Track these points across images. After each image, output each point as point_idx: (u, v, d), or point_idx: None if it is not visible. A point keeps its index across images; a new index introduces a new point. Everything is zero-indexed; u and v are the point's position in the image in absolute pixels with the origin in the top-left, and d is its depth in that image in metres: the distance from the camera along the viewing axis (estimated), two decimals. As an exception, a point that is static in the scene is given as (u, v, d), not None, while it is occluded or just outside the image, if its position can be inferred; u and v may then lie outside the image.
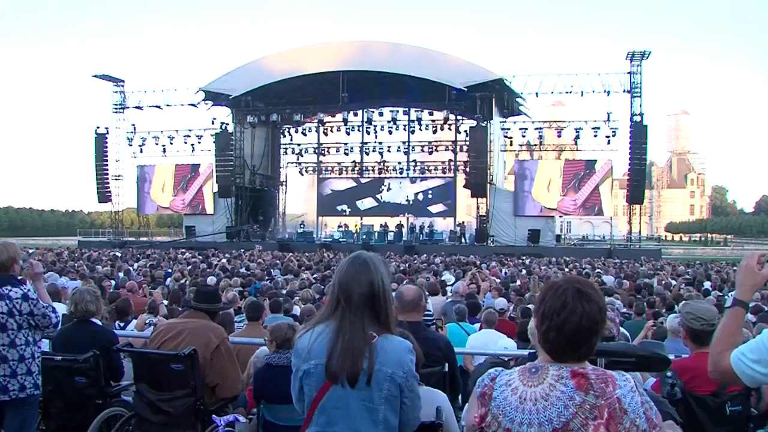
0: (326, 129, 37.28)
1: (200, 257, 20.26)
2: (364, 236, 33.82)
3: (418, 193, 38.99)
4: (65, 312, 5.50)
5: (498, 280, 12.11)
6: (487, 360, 4.20)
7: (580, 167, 33.95)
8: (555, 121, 37.14)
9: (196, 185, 37.91)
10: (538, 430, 1.63)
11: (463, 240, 33.55)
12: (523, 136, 35.27)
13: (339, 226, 38.17)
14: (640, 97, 31.66)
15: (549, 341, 1.71)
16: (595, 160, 33.96)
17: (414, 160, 39.93)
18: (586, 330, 1.67)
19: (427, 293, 7.75)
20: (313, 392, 2.10)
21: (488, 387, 1.77)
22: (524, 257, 23.86)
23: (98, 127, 37.95)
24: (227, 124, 35.64)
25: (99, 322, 4.35)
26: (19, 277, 3.71)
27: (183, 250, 26.38)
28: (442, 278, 12.63)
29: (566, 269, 17.44)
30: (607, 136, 32.57)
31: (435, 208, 39.04)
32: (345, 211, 39.71)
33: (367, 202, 39.48)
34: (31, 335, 3.60)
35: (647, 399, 1.65)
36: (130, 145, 38.07)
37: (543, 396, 1.65)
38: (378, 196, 39.49)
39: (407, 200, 38.75)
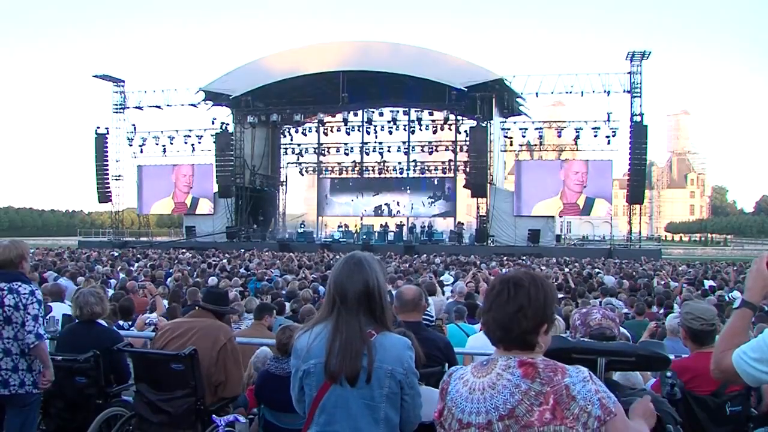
0: (326, 129, 37.31)
1: (200, 257, 20.27)
2: (365, 236, 33.83)
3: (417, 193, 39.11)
4: (65, 312, 5.51)
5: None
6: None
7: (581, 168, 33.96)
8: (555, 121, 37.15)
9: (197, 185, 37.85)
10: (485, 418, 1.68)
11: (461, 240, 33.57)
12: (523, 136, 35.29)
13: (339, 226, 38.19)
14: (640, 97, 31.68)
15: (484, 323, 1.80)
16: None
17: (414, 160, 39.96)
18: (512, 315, 1.71)
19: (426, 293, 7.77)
20: (314, 392, 2.11)
21: (445, 382, 1.84)
22: (524, 257, 23.86)
23: (98, 127, 38.00)
24: (227, 124, 35.67)
25: (104, 323, 4.35)
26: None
27: (183, 250, 26.40)
28: (440, 278, 12.63)
29: (566, 269, 17.44)
30: (607, 136, 32.60)
31: (435, 208, 39.07)
32: (350, 201, 39.71)
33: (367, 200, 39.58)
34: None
35: (605, 390, 1.66)
36: (131, 145, 38.12)
37: (490, 385, 1.70)
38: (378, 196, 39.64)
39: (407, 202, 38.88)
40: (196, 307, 4.22)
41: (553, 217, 34.40)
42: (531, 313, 1.73)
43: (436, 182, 39.86)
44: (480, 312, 1.85)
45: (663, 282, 13.21)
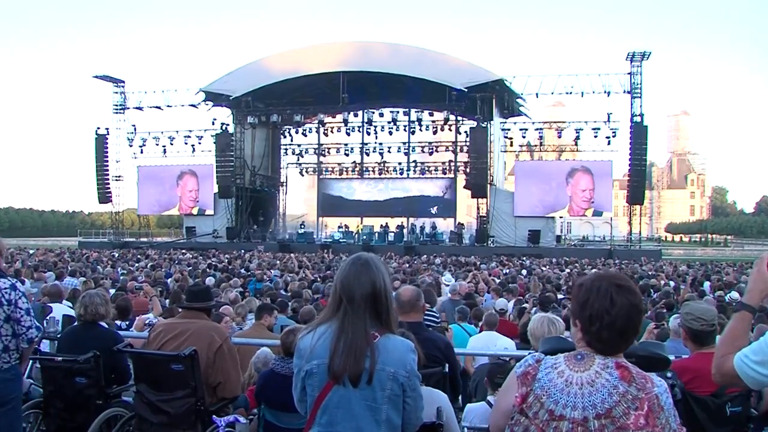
0: (326, 130, 37.33)
1: (200, 258, 20.28)
2: (365, 237, 33.83)
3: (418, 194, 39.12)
4: (65, 313, 5.51)
5: (498, 281, 12.13)
6: (489, 362, 4.20)
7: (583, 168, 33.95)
8: (555, 122, 37.12)
9: (197, 186, 37.83)
10: (581, 414, 1.67)
11: (462, 240, 33.57)
12: (524, 137, 35.28)
13: (339, 227, 38.18)
14: (640, 97, 31.66)
15: (602, 340, 1.74)
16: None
17: (414, 161, 39.94)
18: (635, 320, 1.74)
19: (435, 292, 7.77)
20: (316, 392, 2.11)
21: (532, 367, 1.80)
22: (524, 258, 23.87)
23: (99, 128, 38.00)
24: (227, 124, 35.70)
25: (105, 325, 4.35)
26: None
27: (183, 250, 26.39)
28: (442, 279, 12.64)
29: (567, 270, 17.44)
30: (608, 137, 32.57)
31: (435, 209, 39.07)
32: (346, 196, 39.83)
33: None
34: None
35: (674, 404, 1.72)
36: (131, 146, 38.12)
37: (589, 381, 1.70)
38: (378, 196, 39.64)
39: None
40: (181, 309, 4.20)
41: (553, 217, 34.41)
42: (643, 313, 1.79)
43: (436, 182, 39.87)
44: (582, 326, 1.81)
45: (663, 282, 13.19)
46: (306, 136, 38.88)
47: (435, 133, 36.91)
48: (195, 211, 37.75)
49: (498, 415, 1.90)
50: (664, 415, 1.66)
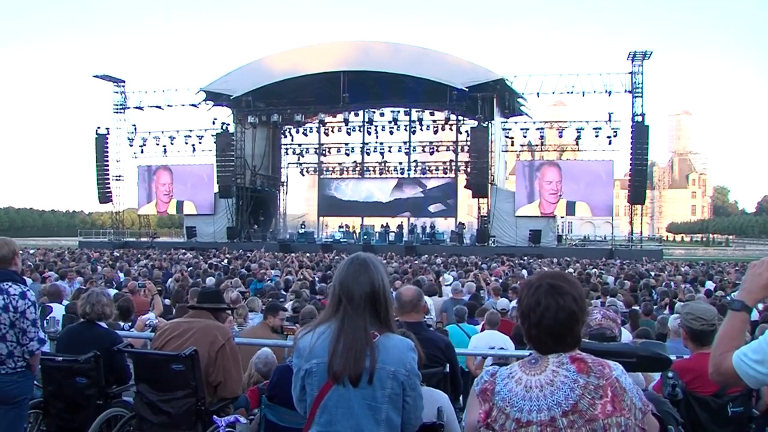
0: (327, 129, 37.34)
1: (201, 257, 20.28)
2: (365, 237, 33.83)
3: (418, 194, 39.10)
4: (65, 313, 5.50)
5: (500, 281, 12.12)
6: (493, 362, 4.20)
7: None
8: (556, 122, 37.10)
9: (198, 186, 37.85)
10: (547, 415, 1.67)
11: (462, 240, 33.56)
12: (525, 137, 35.23)
13: (340, 227, 38.18)
14: (641, 97, 31.66)
15: (532, 338, 1.77)
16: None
17: (415, 161, 39.92)
18: (565, 322, 1.73)
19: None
20: (315, 391, 2.11)
21: (489, 383, 1.80)
22: (525, 257, 23.85)
23: (99, 128, 37.98)
24: (228, 124, 35.70)
25: (104, 325, 4.35)
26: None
27: (183, 250, 26.39)
28: (441, 278, 12.63)
29: (569, 269, 17.42)
30: (609, 137, 32.53)
31: (435, 208, 39.06)
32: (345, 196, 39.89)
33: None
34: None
35: (633, 382, 1.73)
36: (131, 146, 38.13)
37: (548, 382, 1.70)
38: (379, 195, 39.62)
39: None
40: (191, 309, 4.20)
41: (554, 217, 34.38)
42: (581, 317, 1.75)
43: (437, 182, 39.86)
44: (518, 324, 1.85)
45: (664, 282, 13.18)
46: (306, 135, 38.91)
47: (436, 132, 36.92)
48: (172, 208, 37.96)
49: (468, 430, 1.89)
50: (628, 396, 1.66)
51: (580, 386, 1.66)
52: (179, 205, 38.40)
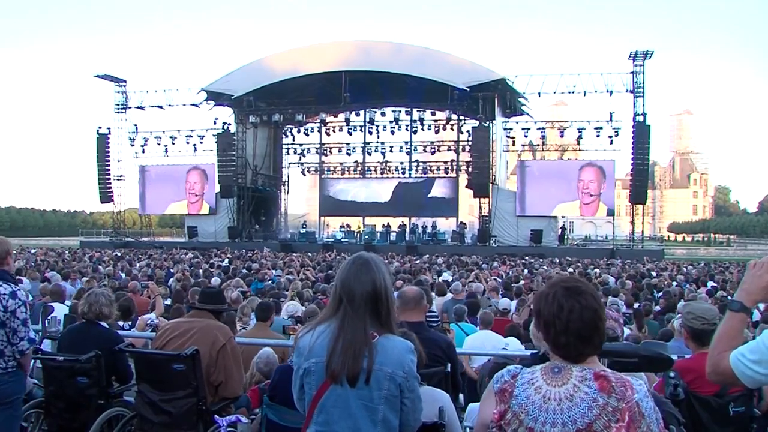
0: (328, 129, 37.34)
1: (202, 257, 20.27)
2: (367, 236, 33.83)
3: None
4: (67, 313, 5.50)
5: (500, 280, 12.12)
6: (492, 360, 4.19)
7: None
8: (557, 121, 37.10)
9: (199, 186, 37.84)
10: (561, 430, 1.65)
11: (464, 240, 33.54)
12: (526, 136, 35.25)
13: (341, 227, 38.17)
14: (642, 97, 31.62)
15: (561, 345, 1.73)
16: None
17: (416, 160, 39.89)
18: (591, 321, 1.71)
19: (432, 294, 7.76)
20: (313, 390, 2.10)
21: (509, 384, 1.77)
22: (527, 257, 23.83)
23: (100, 128, 37.99)
24: (229, 124, 35.74)
25: (105, 325, 4.36)
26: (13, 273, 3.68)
27: (185, 250, 26.39)
28: (440, 278, 12.62)
29: (569, 269, 17.40)
30: (610, 136, 32.50)
31: (436, 209, 39.02)
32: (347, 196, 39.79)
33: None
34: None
35: (655, 404, 1.69)
36: (132, 146, 38.16)
37: (567, 396, 1.67)
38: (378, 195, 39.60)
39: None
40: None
41: (555, 217, 34.34)
42: (603, 313, 1.73)
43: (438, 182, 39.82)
44: (535, 328, 1.82)
45: (666, 282, 13.16)
46: (308, 135, 38.88)
47: (437, 132, 36.93)
48: (205, 209, 37.49)
49: (479, 427, 1.88)
50: (645, 422, 1.62)
51: (599, 406, 1.63)
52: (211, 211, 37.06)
